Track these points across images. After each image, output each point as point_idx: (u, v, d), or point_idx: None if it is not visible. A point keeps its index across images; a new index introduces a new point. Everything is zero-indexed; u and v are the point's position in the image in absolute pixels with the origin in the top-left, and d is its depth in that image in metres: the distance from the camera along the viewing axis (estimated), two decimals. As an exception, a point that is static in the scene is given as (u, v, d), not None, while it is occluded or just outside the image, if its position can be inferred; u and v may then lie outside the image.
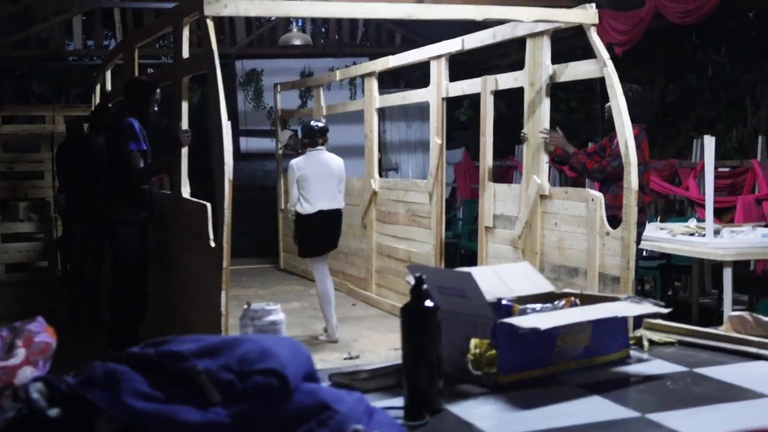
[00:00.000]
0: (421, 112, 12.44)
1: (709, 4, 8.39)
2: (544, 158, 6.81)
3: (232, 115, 13.86)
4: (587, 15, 6.27)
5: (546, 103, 6.80)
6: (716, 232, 7.00)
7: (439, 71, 8.16)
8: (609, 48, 9.71)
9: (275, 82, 12.26)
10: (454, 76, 8.25)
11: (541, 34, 6.72)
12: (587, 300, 2.55)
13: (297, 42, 11.45)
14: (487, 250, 7.48)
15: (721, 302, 7.20)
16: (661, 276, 7.64)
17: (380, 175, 14.11)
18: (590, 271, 6.16)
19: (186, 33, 6.01)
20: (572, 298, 2.53)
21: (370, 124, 9.51)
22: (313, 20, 13.96)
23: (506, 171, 11.92)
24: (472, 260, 8.14)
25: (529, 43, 6.91)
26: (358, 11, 6.36)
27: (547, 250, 6.72)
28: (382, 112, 14.46)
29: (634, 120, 6.22)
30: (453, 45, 7.89)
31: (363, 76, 9.89)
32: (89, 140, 7.91)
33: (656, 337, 2.67)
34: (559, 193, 6.71)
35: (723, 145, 9.72)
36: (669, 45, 10.44)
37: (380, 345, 7.09)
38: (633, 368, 2.39)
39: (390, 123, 14.69)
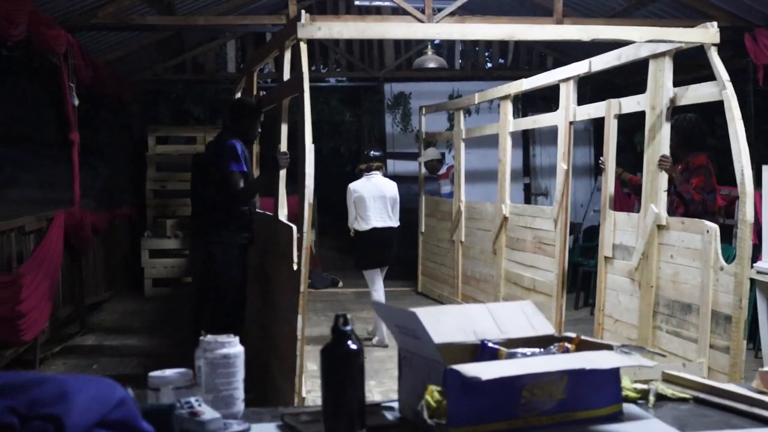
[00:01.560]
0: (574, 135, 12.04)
1: None
2: (663, 186, 6.41)
3: (381, 138, 13.92)
4: (707, 34, 5.86)
5: (666, 128, 6.40)
6: None
7: (567, 94, 7.87)
8: (765, 69, 9.18)
9: (421, 104, 12.21)
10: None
11: (663, 54, 6.33)
12: (583, 346, 2.31)
13: (431, 65, 11.37)
14: (605, 281, 7.11)
15: None
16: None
17: (529, 201, 13.91)
18: (703, 308, 5.71)
19: (288, 56, 6.03)
20: (565, 344, 2.30)
21: (504, 148, 9.29)
22: (463, 43, 13.85)
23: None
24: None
25: (651, 64, 6.53)
26: (456, 32, 6.19)
27: (662, 284, 6.29)
28: (532, 136, 14.25)
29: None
30: (580, 67, 7.59)
31: (499, 99, 9.69)
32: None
33: (670, 391, 2.38)
34: (675, 223, 6.26)
35: None
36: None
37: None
38: (618, 427, 2.12)
39: (540, 147, 14.37)
